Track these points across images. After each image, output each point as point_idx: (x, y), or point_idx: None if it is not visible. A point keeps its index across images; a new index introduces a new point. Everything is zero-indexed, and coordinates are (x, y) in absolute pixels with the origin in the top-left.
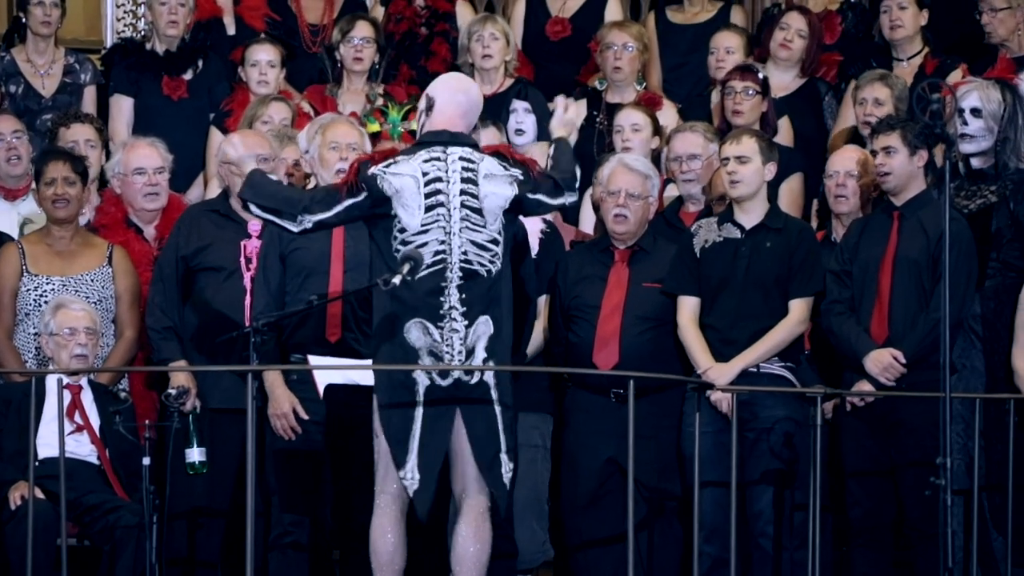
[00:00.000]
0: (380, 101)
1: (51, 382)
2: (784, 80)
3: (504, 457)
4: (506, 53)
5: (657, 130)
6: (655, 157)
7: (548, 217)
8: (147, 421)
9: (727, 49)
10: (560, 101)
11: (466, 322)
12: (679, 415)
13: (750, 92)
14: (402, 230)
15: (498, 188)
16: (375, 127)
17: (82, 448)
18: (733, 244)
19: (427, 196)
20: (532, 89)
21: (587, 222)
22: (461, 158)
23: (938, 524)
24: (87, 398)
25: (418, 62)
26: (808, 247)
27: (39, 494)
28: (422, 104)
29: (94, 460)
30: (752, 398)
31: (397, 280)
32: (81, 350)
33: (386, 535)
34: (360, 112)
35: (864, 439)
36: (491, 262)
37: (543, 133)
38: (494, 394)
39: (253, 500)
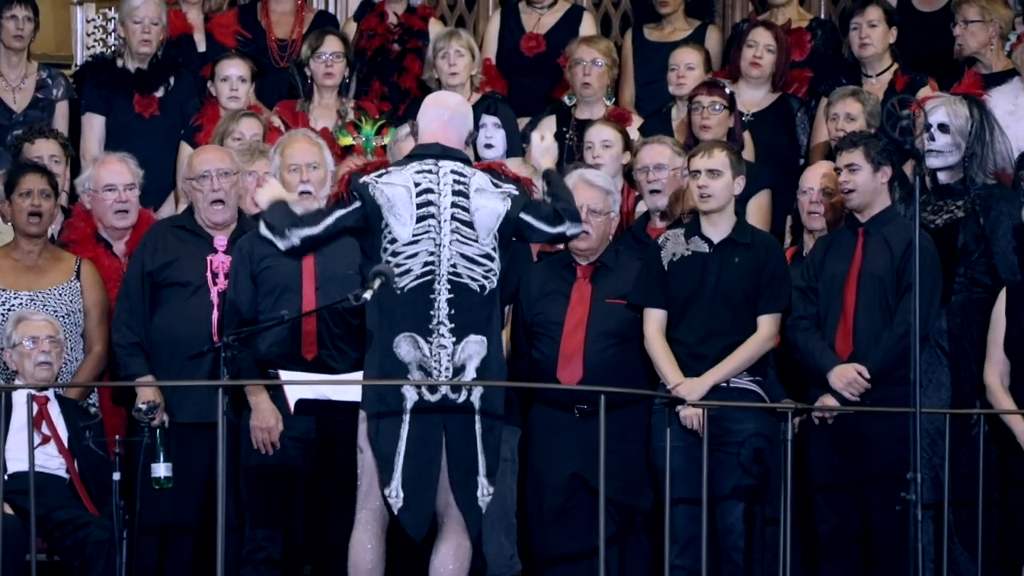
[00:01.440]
0: (351, 115)
1: (19, 395)
2: (756, 96)
3: (482, 480)
4: (472, 68)
5: (628, 145)
6: (626, 172)
7: None
8: (117, 436)
9: (687, 65)
10: (535, 136)
11: (454, 338)
12: (645, 430)
13: (717, 107)
14: (393, 240)
15: (489, 202)
16: (348, 140)
17: (51, 462)
18: (701, 258)
19: (418, 207)
20: (501, 104)
21: None
22: (453, 171)
23: (905, 540)
24: (54, 410)
25: (390, 78)
26: (776, 263)
27: (7, 509)
28: (407, 130)
29: (63, 474)
30: (722, 413)
31: (368, 295)
32: (45, 357)
33: (366, 550)
34: (331, 127)
35: (830, 455)
36: (484, 277)
37: (513, 148)
38: (478, 417)
39: (223, 515)
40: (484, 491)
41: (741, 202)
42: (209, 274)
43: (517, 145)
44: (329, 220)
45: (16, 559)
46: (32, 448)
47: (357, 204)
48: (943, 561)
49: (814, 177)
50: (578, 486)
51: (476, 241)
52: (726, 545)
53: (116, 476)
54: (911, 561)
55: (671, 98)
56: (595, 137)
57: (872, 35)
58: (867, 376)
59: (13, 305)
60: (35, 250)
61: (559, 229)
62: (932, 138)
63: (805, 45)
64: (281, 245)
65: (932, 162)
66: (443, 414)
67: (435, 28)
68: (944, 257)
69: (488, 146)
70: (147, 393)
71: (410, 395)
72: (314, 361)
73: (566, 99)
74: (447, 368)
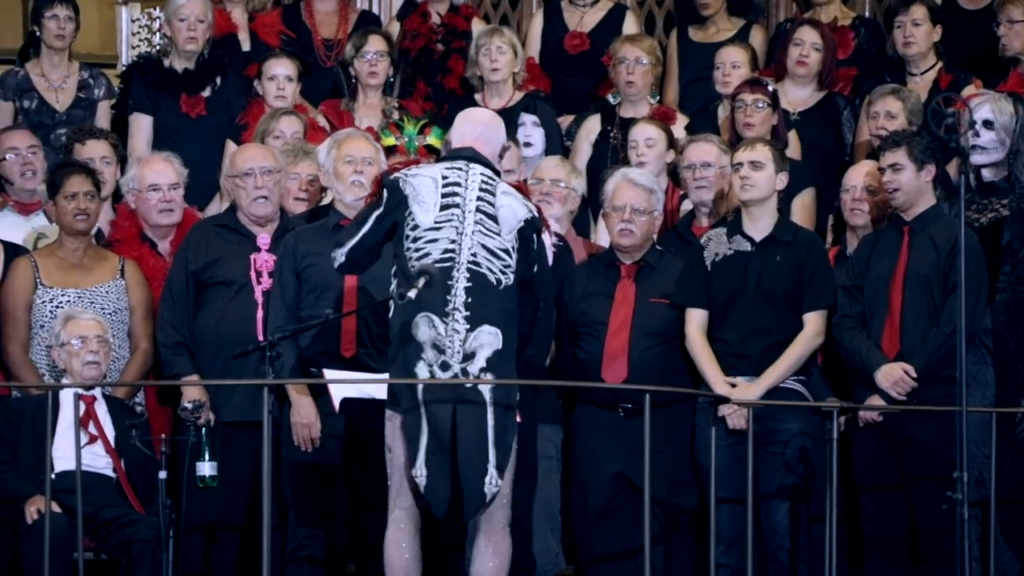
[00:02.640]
0: (396, 115)
1: (65, 394)
2: (802, 95)
3: (491, 469)
4: (514, 66)
5: (672, 144)
6: (671, 171)
7: (559, 230)
8: (163, 435)
9: (733, 63)
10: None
11: (468, 325)
12: (689, 428)
13: (760, 105)
14: (415, 227)
15: (514, 205)
16: (391, 140)
17: (98, 461)
18: (744, 257)
19: (444, 196)
20: (541, 103)
21: (603, 237)
22: (482, 173)
23: (951, 539)
24: (101, 409)
25: (434, 79)
26: (819, 259)
27: (56, 508)
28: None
29: (110, 473)
30: (766, 412)
31: (412, 294)
32: (93, 357)
33: (400, 549)
34: (376, 126)
35: (876, 453)
36: (502, 272)
37: (552, 147)
38: (489, 408)
39: (269, 514)
40: (492, 481)
41: (786, 201)
42: (253, 273)
43: (556, 144)
44: (366, 228)
45: (64, 557)
46: (79, 447)
47: (386, 198)
48: (989, 560)
49: (857, 176)
50: (622, 485)
51: (499, 235)
52: (771, 544)
53: (162, 475)
54: (957, 560)
55: (715, 98)
56: (639, 135)
57: (916, 33)
58: (914, 375)
59: (60, 303)
60: (80, 249)
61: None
62: (976, 134)
63: (849, 43)
64: (335, 265)
65: (977, 159)
66: (454, 396)
67: (478, 27)
68: (988, 255)
69: (527, 144)
70: (192, 392)
71: (422, 374)
72: (352, 359)
73: (610, 98)
74: (459, 351)
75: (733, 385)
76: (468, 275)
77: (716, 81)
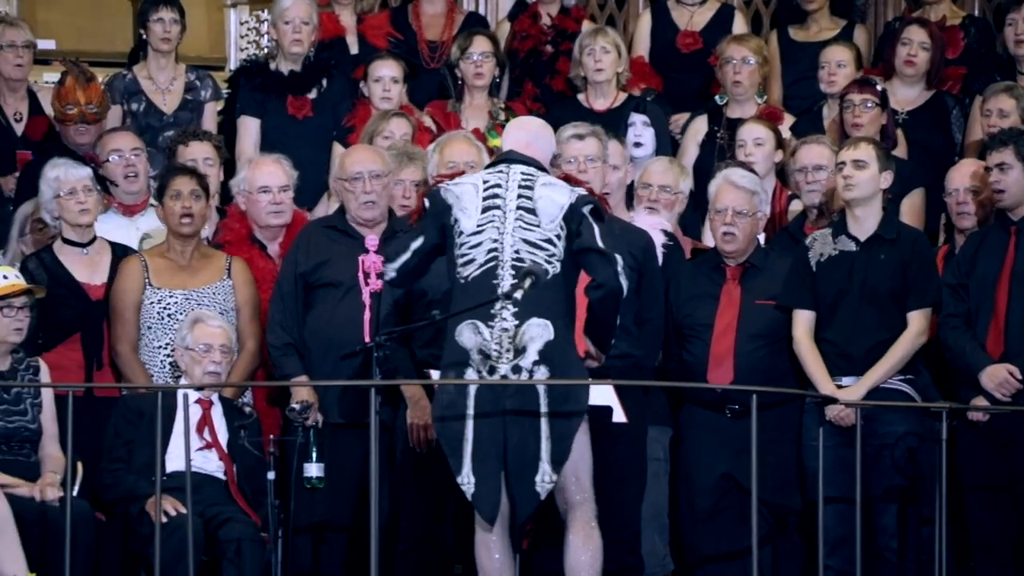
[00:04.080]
0: (502, 116)
1: (183, 398)
2: (910, 94)
3: (545, 466)
4: (618, 66)
5: (780, 143)
6: (779, 170)
7: (669, 228)
8: (271, 436)
9: (838, 63)
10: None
11: (516, 321)
12: (796, 430)
13: (869, 104)
14: (460, 233)
15: (554, 194)
16: (499, 141)
17: (209, 464)
18: (849, 257)
19: (485, 199)
20: (651, 103)
21: (711, 237)
22: (522, 172)
23: None
24: (216, 413)
25: (543, 80)
26: (923, 257)
27: (181, 509)
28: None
29: (220, 475)
30: (873, 413)
31: (519, 295)
32: (215, 367)
33: (489, 550)
34: (482, 127)
35: (983, 455)
36: (547, 261)
37: (662, 146)
38: (542, 399)
39: (377, 515)
40: (545, 478)
41: (895, 201)
42: (361, 274)
43: (666, 143)
44: (415, 244)
45: (181, 556)
46: (189, 452)
47: (427, 220)
48: None
49: (960, 177)
50: (729, 486)
51: (539, 227)
52: (879, 545)
53: (271, 476)
54: None
55: (819, 98)
56: (747, 135)
57: None
58: (1019, 377)
59: (168, 303)
60: (187, 250)
61: (612, 269)
62: None
63: (958, 42)
64: (386, 279)
65: None
66: (503, 397)
67: (587, 28)
68: None
69: (637, 144)
70: (301, 393)
71: (471, 376)
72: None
73: (717, 98)
74: (508, 350)
75: (839, 387)
76: (513, 272)
77: (821, 80)
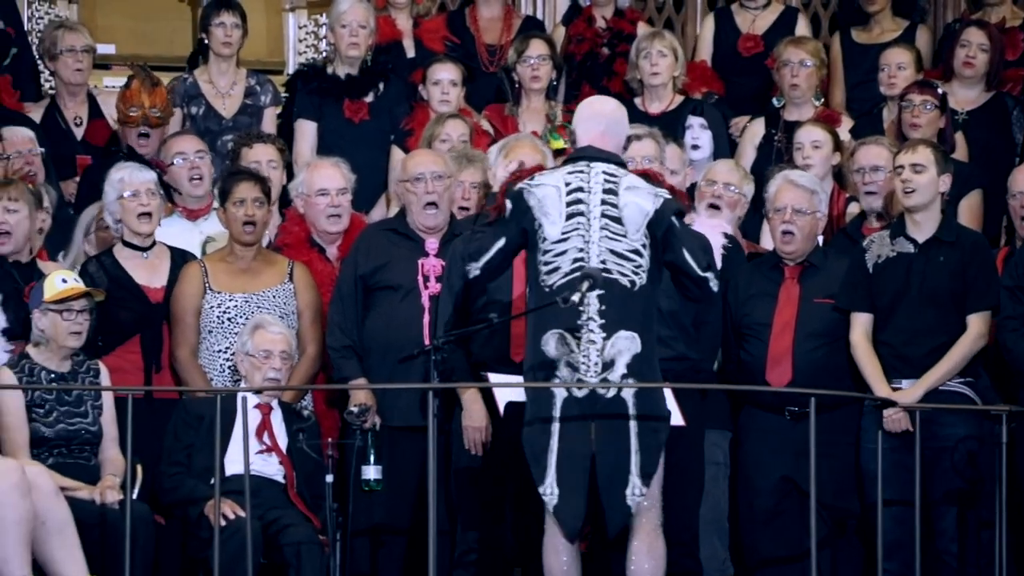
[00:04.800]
0: (560, 119)
1: (243, 402)
2: (969, 95)
3: (634, 480)
4: (674, 69)
5: (837, 146)
6: (836, 173)
7: (729, 231)
8: (330, 439)
9: (898, 65)
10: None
11: (604, 334)
12: (855, 432)
13: (928, 106)
14: (543, 239)
15: (639, 199)
16: (559, 144)
17: (269, 467)
18: (907, 259)
19: (568, 204)
20: (708, 106)
21: (769, 240)
22: (604, 171)
23: None
24: (276, 418)
25: (599, 82)
26: (982, 260)
27: (240, 512)
28: (569, 139)
29: (280, 479)
30: (933, 415)
31: (576, 297)
32: (275, 374)
33: (558, 553)
34: (540, 131)
35: None
36: (634, 273)
37: (720, 149)
38: (632, 411)
39: (435, 518)
40: (635, 490)
41: (953, 202)
42: (420, 277)
43: (724, 146)
44: (498, 244)
45: (240, 559)
46: (248, 456)
47: (510, 211)
48: None
49: (1021, 180)
50: (789, 489)
51: (625, 237)
52: (939, 549)
53: (329, 478)
54: None
55: (881, 100)
56: (805, 138)
57: None
58: None
59: (228, 308)
60: (248, 254)
61: (705, 274)
62: None
63: (1019, 44)
64: (470, 278)
65: None
66: (592, 411)
67: (643, 31)
68: None
69: (695, 147)
70: (359, 396)
71: (559, 393)
72: (522, 363)
73: (775, 101)
74: (596, 364)
75: (897, 389)
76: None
77: (881, 83)
